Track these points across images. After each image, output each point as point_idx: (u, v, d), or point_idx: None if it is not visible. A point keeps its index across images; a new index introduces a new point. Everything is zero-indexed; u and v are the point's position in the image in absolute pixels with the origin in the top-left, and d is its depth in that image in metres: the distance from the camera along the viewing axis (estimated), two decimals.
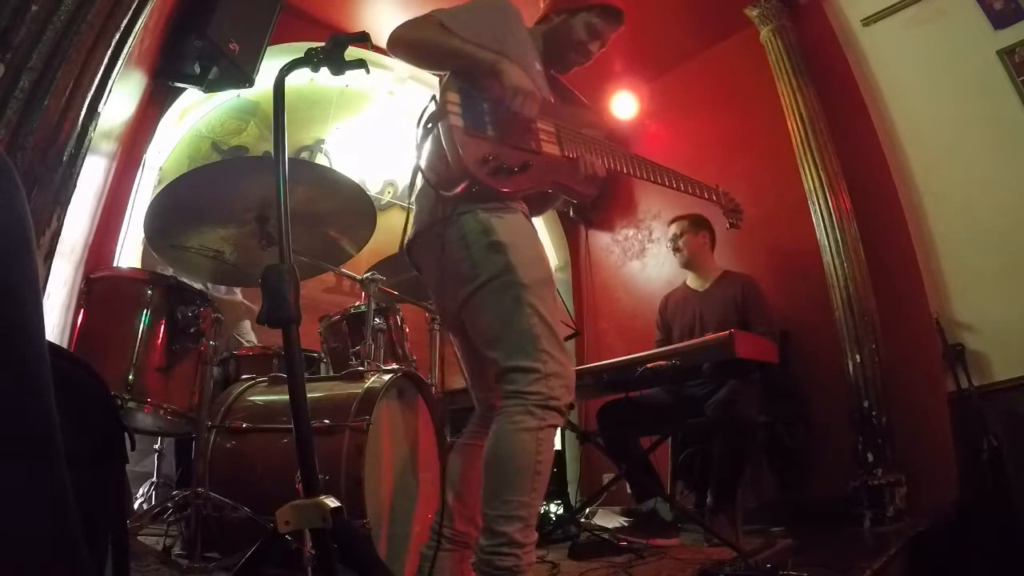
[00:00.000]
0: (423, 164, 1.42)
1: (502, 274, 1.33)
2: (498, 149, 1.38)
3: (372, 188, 3.90)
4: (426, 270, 1.51)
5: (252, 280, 2.10)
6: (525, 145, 1.44)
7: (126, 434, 0.95)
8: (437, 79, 1.51)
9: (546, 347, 1.30)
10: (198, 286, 2.20)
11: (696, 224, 3.09)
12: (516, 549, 1.21)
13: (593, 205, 4.55)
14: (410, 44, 1.43)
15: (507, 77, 1.36)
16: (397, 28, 1.42)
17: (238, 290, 2.94)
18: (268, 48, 2.88)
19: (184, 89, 2.86)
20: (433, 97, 1.42)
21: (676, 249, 3.12)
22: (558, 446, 3.63)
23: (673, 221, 3.17)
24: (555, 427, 1.30)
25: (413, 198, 1.49)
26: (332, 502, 0.95)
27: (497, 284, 1.33)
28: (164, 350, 1.92)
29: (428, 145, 1.42)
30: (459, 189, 1.34)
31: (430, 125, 1.40)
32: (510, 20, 1.54)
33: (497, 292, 1.33)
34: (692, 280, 3.13)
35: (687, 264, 3.11)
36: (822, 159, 3.15)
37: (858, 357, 2.86)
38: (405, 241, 1.52)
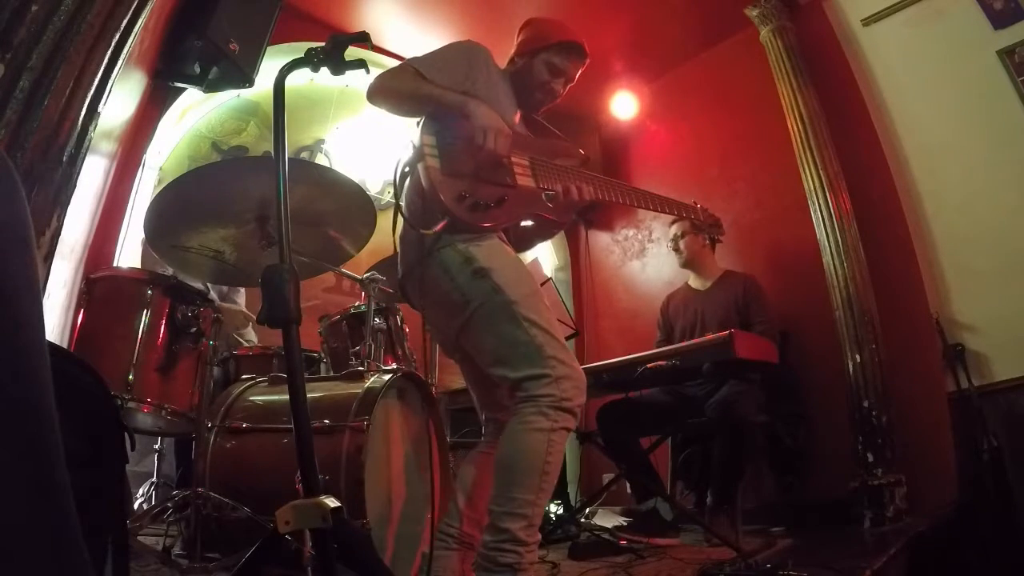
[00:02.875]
0: (403, 206, 1.49)
1: (492, 296, 1.38)
2: (474, 186, 1.44)
3: (372, 188, 3.90)
4: (417, 305, 1.55)
5: (252, 280, 2.10)
6: (500, 180, 1.49)
7: (126, 434, 0.95)
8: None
9: (552, 353, 1.34)
10: (198, 286, 2.20)
11: (697, 226, 3.08)
12: (518, 547, 1.23)
13: (593, 205, 4.55)
14: (384, 93, 1.49)
15: (475, 117, 1.42)
16: (374, 80, 1.48)
17: (241, 299, 2.93)
18: (268, 48, 2.88)
19: (184, 89, 2.86)
20: (411, 141, 1.47)
21: (676, 250, 3.13)
22: None
23: (675, 222, 3.16)
24: (567, 430, 1.32)
25: (396, 238, 1.55)
26: (332, 502, 0.95)
27: (490, 307, 1.38)
28: (164, 350, 1.91)
29: (407, 188, 1.50)
30: (439, 227, 1.39)
31: (407, 169, 1.47)
32: (479, 61, 1.59)
33: (492, 314, 1.38)
34: (694, 280, 3.14)
35: (687, 264, 3.11)
36: (822, 159, 3.14)
37: (858, 357, 2.86)
38: (398, 281, 1.58)
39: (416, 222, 1.44)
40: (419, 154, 1.43)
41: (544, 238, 1.80)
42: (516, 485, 1.26)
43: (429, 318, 1.54)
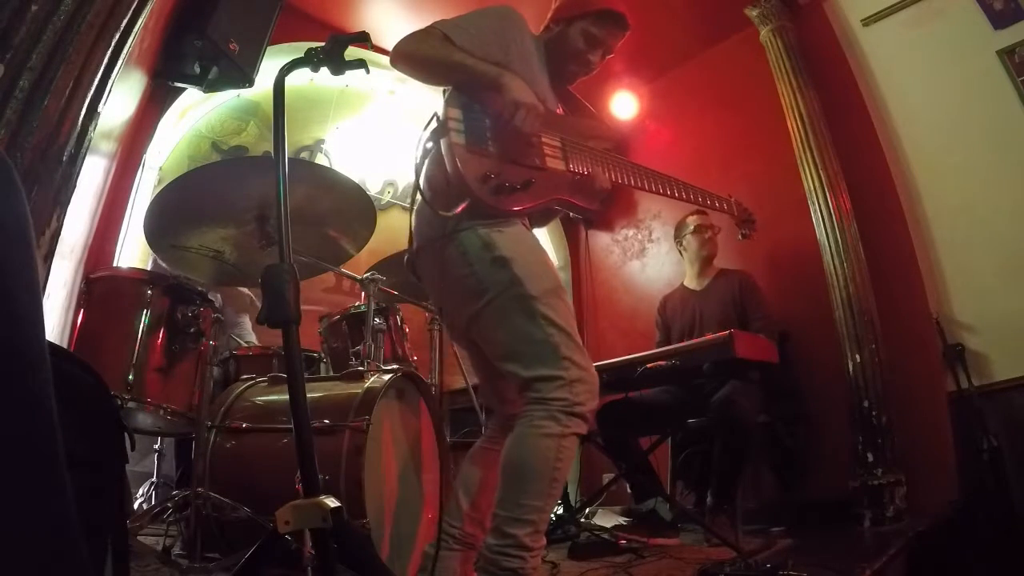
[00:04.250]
0: (422, 182, 1.39)
1: (509, 288, 1.31)
2: (500, 166, 1.35)
3: (372, 188, 3.90)
4: (429, 285, 1.49)
5: (252, 280, 2.10)
6: (528, 161, 1.40)
7: (126, 434, 0.95)
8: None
9: (567, 354, 1.28)
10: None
11: (714, 227, 3.10)
12: (523, 552, 1.20)
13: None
14: (412, 58, 1.39)
15: (508, 91, 1.33)
16: (399, 42, 1.39)
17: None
18: (268, 48, 2.88)
19: (184, 89, 2.86)
20: (435, 114, 1.38)
21: (708, 240, 3.06)
22: None
23: (695, 214, 3.10)
24: (578, 435, 1.28)
25: (412, 214, 1.46)
26: (332, 502, 0.95)
27: (506, 299, 1.31)
28: (164, 350, 1.92)
29: (428, 163, 1.40)
30: (459, 209, 1.31)
31: (430, 144, 1.37)
32: (515, 29, 1.50)
33: (508, 307, 1.31)
34: (689, 280, 3.13)
35: (708, 257, 3.08)
36: (822, 159, 3.14)
37: (858, 357, 2.86)
38: (407, 257, 1.50)
39: (435, 202, 1.34)
40: (443, 128, 1.33)
41: (560, 215, 1.69)
42: (524, 492, 1.22)
43: (438, 300, 1.46)
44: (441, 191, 1.36)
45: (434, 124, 1.38)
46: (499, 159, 1.36)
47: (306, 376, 1.77)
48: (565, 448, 1.25)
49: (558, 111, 1.60)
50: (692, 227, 3.12)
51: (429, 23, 1.44)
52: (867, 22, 3.30)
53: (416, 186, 1.39)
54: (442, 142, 1.34)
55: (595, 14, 1.56)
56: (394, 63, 1.40)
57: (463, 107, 1.37)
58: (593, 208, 1.54)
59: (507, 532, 1.21)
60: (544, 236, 4.75)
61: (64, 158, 1.16)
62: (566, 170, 1.47)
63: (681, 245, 3.20)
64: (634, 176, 1.60)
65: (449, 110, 1.35)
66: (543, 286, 1.33)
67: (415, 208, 1.45)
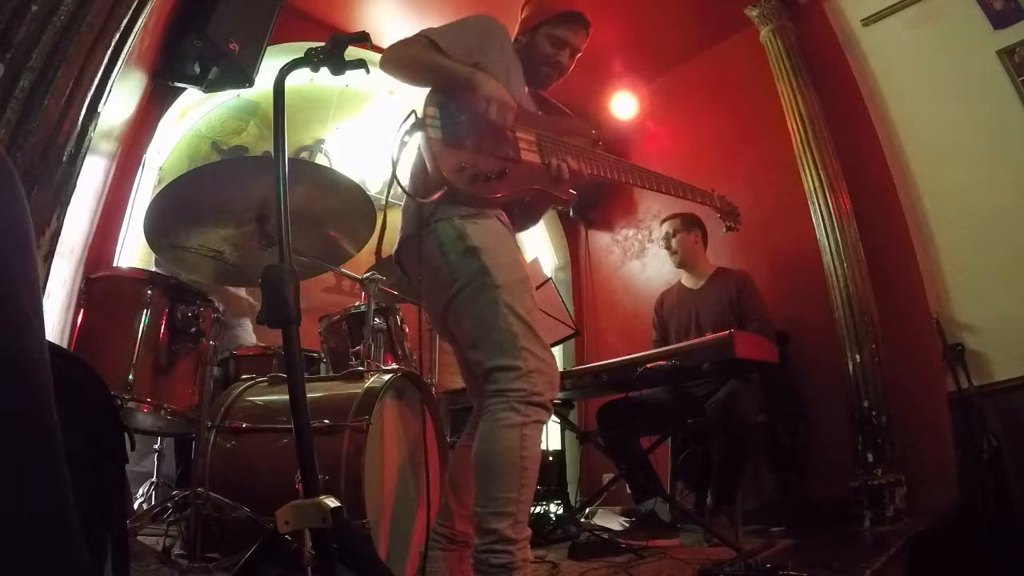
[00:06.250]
0: (402, 175, 1.47)
1: (478, 277, 1.37)
2: (475, 158, 1.42)
3: (372, 188, 3.90)
4: (412, 277, 1.54)
5: (252, 280, 2.10)
6: (503, 153, 1.47)
7: (126, 434, 0.95)
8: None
9: (525, 344, 1.32)
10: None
11: (688, 223, 3.07)
12: (508, 546, 1.22)
13: (593, 205, 4.55)
14: (394, 61, 1.49)
15: (480, 88, 1.40)
16: (388, 48, 1.48)
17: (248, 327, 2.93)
18: (268, 48, 2.88)
19: (184, 89, 2.86)
20: (413, 111, 1.46)
21: (669, 249, 3.11)
22: (558, 446, 3.63)
23: (665, 220, 3.15)
24: (540, 423, 1.32)
25: (390, 206, 1.51)
26: (332, 502, 0.95)
27: (474, 288, 1.37)
28: (164, 350, 1.91)
29: (406, 156, 1.48)
30: (436, 196, 1.38)
31: (408, 138, 1.45)
32: (495, 38, 1.59)
33: (475, 295, 1.37)
34: (687, 279, 3.13)
35: (682, 264, 3.10)
36: (822, 159, 3.15)
37: (858, 357, 2.86)
38: (393, 250, 1.57)
39: (415, 192, 1.43)
40: (420, 124, 1.41)
41: (545, 211, 1.76)
42: (496, 484, 1.25)
43: (422, 292, 1.52)
44: (419, 182, 1.45)
45: (412, 120, 1.44)
46: (474, 151, 1.43)
47: (306, 376, 1.77)
48: (529, 437, 1.28)
49: (536, 112, 1.66)
50: (660, 240, 3.19)
51: (428, 23, 1.49)
52: (867, 22, 3.30)
53: (391, 179, 1.44)
54: (420, 136, 1.42)
55: (556, 17, 1.66)
56: (382, 66, 1.48)
57: (440, 105, 1.45)
58: (568, 198, 1.58)
59: (488, 528, 1.23)
60: (544, 236, 4.75)
61: (64, 158, 1.16)
62: (541, 163, 1.54)
63: None
64: (612, 169, 1.66)
65: (427, 108, 1.43)
66: (510, 277, 1.38)
67: (402, 206, 1.52)
